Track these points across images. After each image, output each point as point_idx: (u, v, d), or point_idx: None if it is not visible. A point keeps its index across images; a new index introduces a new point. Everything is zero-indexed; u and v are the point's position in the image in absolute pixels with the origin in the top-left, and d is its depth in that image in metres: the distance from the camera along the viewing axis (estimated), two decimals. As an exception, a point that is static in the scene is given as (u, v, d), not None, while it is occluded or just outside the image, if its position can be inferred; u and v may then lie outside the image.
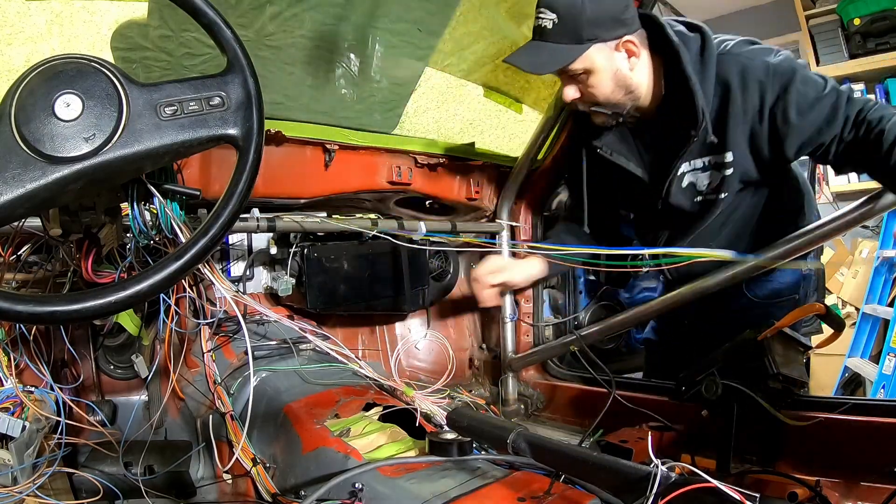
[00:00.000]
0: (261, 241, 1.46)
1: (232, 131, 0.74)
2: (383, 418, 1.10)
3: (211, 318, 1.25)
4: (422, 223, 1.62)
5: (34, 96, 0.65)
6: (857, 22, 3.59)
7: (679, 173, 1.25)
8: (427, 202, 1.78)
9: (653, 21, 1.19)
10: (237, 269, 1.45)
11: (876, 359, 2.87)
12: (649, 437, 0.99)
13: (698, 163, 1.24)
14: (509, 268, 1.32)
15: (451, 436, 0.94)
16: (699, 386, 1.20)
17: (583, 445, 1.30)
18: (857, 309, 3.20)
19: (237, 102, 0.75)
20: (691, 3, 4.29)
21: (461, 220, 1.77)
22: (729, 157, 1.20)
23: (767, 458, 1.15)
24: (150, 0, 1.34)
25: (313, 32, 1.58)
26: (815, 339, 1.47)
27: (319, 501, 0.77)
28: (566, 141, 1.59)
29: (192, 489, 1.18)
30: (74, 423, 1.12)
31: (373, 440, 1.01)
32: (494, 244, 1.70)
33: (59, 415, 1.03)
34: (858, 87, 3.76)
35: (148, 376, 1.33)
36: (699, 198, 1.28)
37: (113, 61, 0.71)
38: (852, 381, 3.03)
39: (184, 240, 0.89)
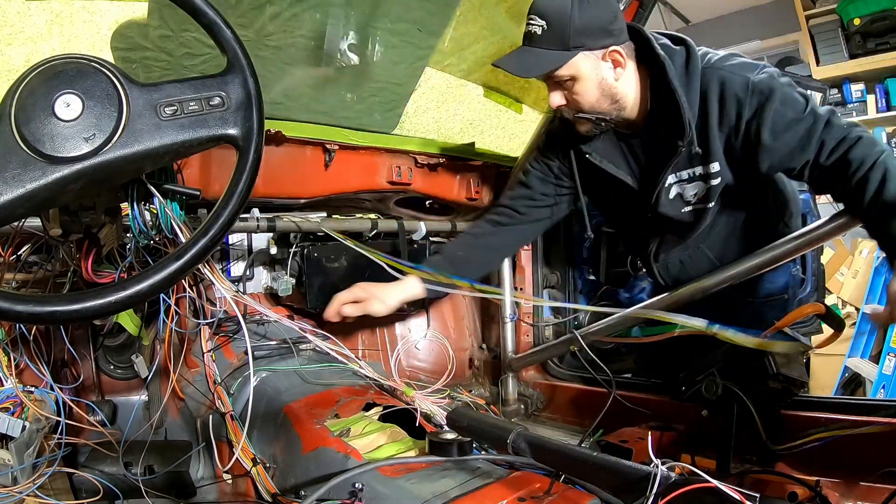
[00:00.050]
0: (261, 241, 1.46)
1: (232, 131, 0.74)
2: (383, 418, 1.10)
3: (211, 318, 1.25)
4: (422, 223, 1.62)
5: (34, 96, 0.65)
6: (857, 22, 3.59)
7: (666, 184, 1.26)
8: (427, 202, 1.78)
9: (639, 34, 1.21)
10: (237, 269, 1.45)
11: (876, 359, 2.87)
12: (649, 437, 0.99)
13: (684, 174, 1.25)
14: (371, 299, 1.30)
15: (451, 436, 0.94)
16: (699, 386, 1.20)
17: (583, 445, 1.30)
18: (857, 309, 3.20)
19: (237, 102, 0.75)
20: (691, 3, 4.29)
21: (461, 220, 1.78)
22: (715, 167, 1.21)
23: (767, 458, 1.15)
24: (150, 0, 1.34)
25: (313, 32, 1.58)
26: (815, 340, 1.47)
27: (319, 501, 0.77)
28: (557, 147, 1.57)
29: (192, 489, 1.18)
30: (74, 423, 1.12)
31: (373, 440, 1.01)
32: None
33: (59, 415, 1.03)
34: (858, 87, 3.76)
35: (148, 376, 1.33)
36: (687, 208, 1.29)
37: (113, 61, 0.71)
38: (852, 381, 3.03)
39: (184, 240, 0.89)
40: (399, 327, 1.81)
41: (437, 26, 1.75)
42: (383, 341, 1.79)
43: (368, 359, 1.64)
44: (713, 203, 1.27)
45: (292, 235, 1.44)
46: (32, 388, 1.04)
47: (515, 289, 1.84)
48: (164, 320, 1.13)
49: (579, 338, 1.53)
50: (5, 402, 0.97)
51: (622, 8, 1.60)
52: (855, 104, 3.79)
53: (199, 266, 1.00)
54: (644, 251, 1.44)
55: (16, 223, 0.88)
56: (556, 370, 1.74)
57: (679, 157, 1.21)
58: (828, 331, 1.13)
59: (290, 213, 1.42)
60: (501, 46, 1.84)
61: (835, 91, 3.78)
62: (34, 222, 0.96)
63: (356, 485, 0.80)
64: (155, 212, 0.90)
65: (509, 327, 1.80)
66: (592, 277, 1.88)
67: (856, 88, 3.77)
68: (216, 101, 0.74)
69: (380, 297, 1.29)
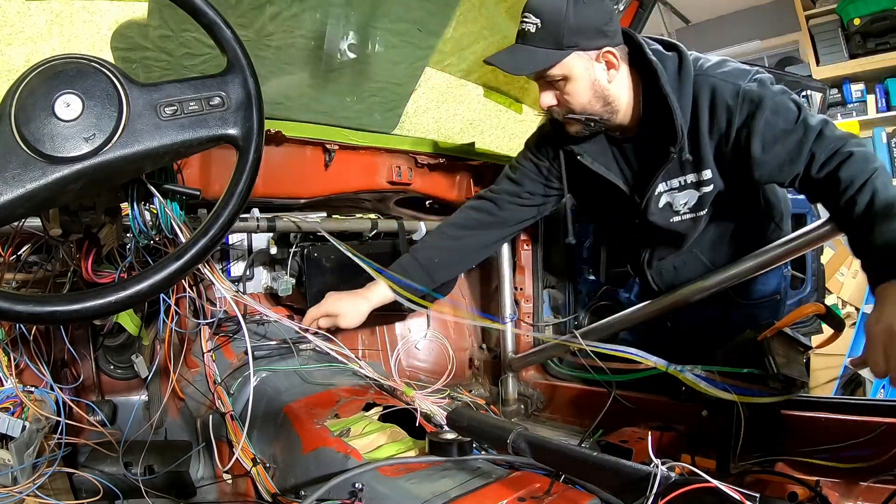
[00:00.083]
0: (261, 241, 1.46)
1: (232, 131, 0.74)
2: (383, 418, 1.10)
3: (211, 318, 1.25)
4: (422, 223, 1.62)
5: (34, 96, 0.65)
6: (857, 22, 3.59)
7: (656, 193, 1.25)
8: (427, 202, 1.78)
9: (631, 39, 1.20)
10: (237, 269, 1.45)
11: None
12: (649, 437, 0.99)
13: (675, 182, 1.24)
14: (340, 316, 1.27)
15: (451, 436, 0.93)
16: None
17: (583, 445, 1.30)
18: (857, 309, 3.20)
19: (237, 102, 0.75)
20: (691, 3, 4.29)
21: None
22: (707, 174, 1.20)
23: (767, 458, 1.15)
24: (150, 0, 1.34)
25: (313, 32, 1.58)
26: (815, 340, 1.47)
27: (319, 501, 0.77)
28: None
29: (192, 489, 1.18)
30: (74, 423, 1.12)
31: (373, 440, 1.01)
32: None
33: (59, 415, 1.03)
34: (858, 87, 3.76)
35: (148, 376, 1.33)
36: (676, 218, 1.28)
37: (113, 61, 0.71)
38: (852, 381, 3.03)
39: (184, 240, 0.89)
40: (399, 327, 1.82)
41: (437, 26, 1.75)
42: (383, 341, 1.79)
43: (368, 359, 1.64)
44: (704, 212, 1.26)
45: (292, 235, 1.44)
46: (32, 388, 1.04)
47: (515, 289, 1.84)
48: (164, 320, 1.13)
49: (579, 338, 1.53)
50: (5, 402, 0.97)
51: (622, 8, 1.61)
52: (855, 104, 3.79)
53: (199, 266, 1.00)
54: (636, 257, 1.43)
55: (16, 223, 0.88)
56: (556, 370, 1.75)
57: (670, 164, 1.20)
58: (828, 331, 1.13)
59: (290, 213, 1.42)
60: (501, 46, 1.84)
61: (835, 91, 3.78)
62: (34, 222, 0.96)
63: (356, 485, 0.80)
64: (155, 212, 0.90)
65: (509, 327, 1.80)
66: (592, 277, 1.88)
67: (856, 88, 3.77)
68: (216, 101, 0.74)
69: (347, 313, 1.27)
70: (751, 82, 1.13)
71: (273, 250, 1.44)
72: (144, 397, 1.39)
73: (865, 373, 1.00)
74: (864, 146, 1.08)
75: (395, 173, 1.56)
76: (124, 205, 0.90)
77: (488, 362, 1.89)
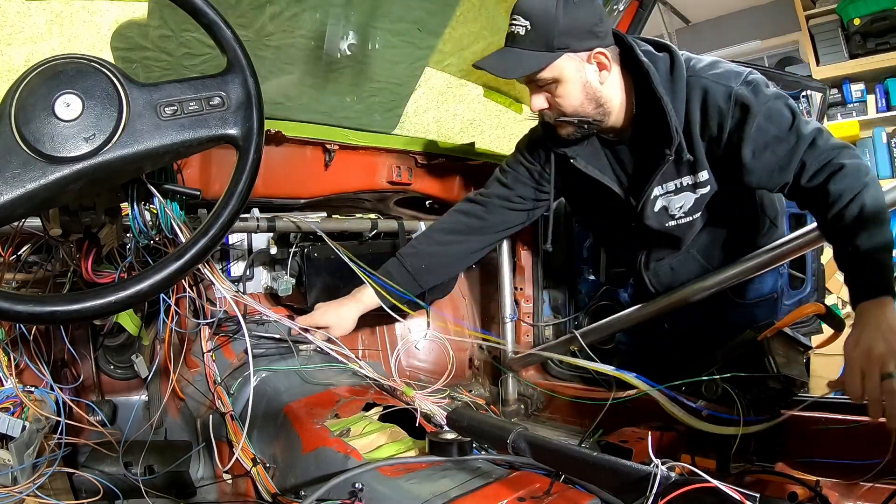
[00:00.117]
0: (261, 241, 1.46)
1: (232, 131, 0.74)
2: (383, 418, 1.10)
3: (211, 318, 1.25)
4: (422, 223, 1.62)
5: (34, 96, 0.65)
6: (857, 22, 3.59)
7: (652, 196, 1.24)
8: (427, 202, 1.78)
9: (622, 40, 1.18)
10: (237, 269, 1.45)
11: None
12: (649, 437, 0.99)
13: (671, 185, 1.22)
14: (332, 326, 1.27)
15: (451, 436, 0.93)
16: (699, 386, 1.20)
17: (583, 445, 1.30)
18: (857, 309, 3.19)
19: (237, 102, 0.75)
20: (691, 3, 4.29)
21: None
22: (703, 175, 1.19)
23: (767, 458, 1.15)
24: (150, 0, 1.34)
25: (313, 32, 1.58)
26: (816, 340, 1.47)
27: (319, 501, 0.77)
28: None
29: (192, 489, 1.18)
30: (74, 423, 1.12)
31: (373, 440, 1.01)
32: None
33: (59, 415, 1.03)
34: (858, 87, 3.76)
35: (148, 376, 1.33)
36: (671, 222, 1.26)
37: (113, 61, 0.71)
38: (852, 382, 3.02)
39: (184, 240, 0.89)
40: (399, 327, 1.81)
41: (437, 26, 1.75)
42: (383, 341, 1.79)
43: (368, 359, 1.64)
44: (699, 214, 1.25)
45: (292, 235, 1.44)
46: (32, 388, 1.04)
47: (516, 289, 1.84)
48: (164, 320, 1.13)
49: (579, 338, 1.53)
50: (5, 402, 0.97)
51: (622, 8, 1.61)
52: (855, 104, 3.79)
53: (199, 266, 1.00)
54: (633, 260, 1.42)
55: (16, 223, 0.88)
56: (557, 370, 1.74)
57: (666, 166, 1.18)
58: (828, 331, 1.13)
59: (290, 213, 1.42)
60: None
61: (835, 91, 3.78)
62: (34, 222, 0.96)
63: (356, 485, 0.80)
64: (155, 212, 0.90)
65: (509, 327, 1.80)
66: (592, 277, 1.87)
67: (856, 88, 3.77)
68: (216, 101, 0.74)
69: (335, 325, 1.27)
70: (743, 85, 1.11)
71: (273, 250, 1.44)
72: (144, 397, 1.39)
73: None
74: (857, 158, 1.07)
75: (395, 173, 1.56)
76: (124, 205, 0.90)
77: (488, 362, 1.89)
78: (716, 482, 0.61)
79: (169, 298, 1.11)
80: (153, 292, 0.70)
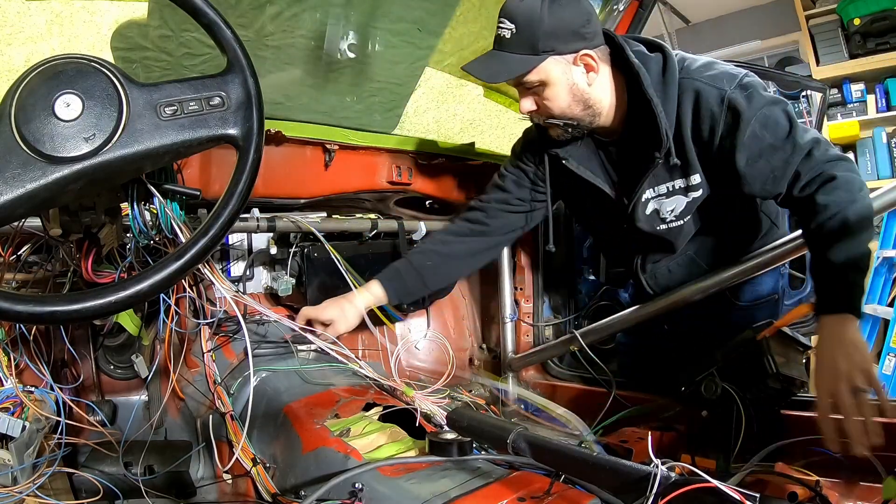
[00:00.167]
0: (261, 241, 1.46)
1: (232, 131, 0.74)
2: (383, 418, 1.10)
3: (211, 318, 1.25)
4: (422, 223, 1.62)
5: (34, 96, 0.65)
6: (857, 22, 3.59)
7: (643, 199, 1.23)
8: (427, 202, 1.78)
9: (612, 40, 1.17)
10: (237, 269, 1.45)
11: (876, 359, 2.86)
12: (649, 437, 0.99)
13: (662, 188, 1.21)
14: (334, 321, 1.25)
15: (451, 436, 0.94)
16: (699, 386, 1.20)
17: (583, 445, 1.30)
18: (857, 309, 3.19)
19: (237, 102, 0.75)
20: (691, 3, 4.30)
21: (461, 220, 1.77)
22: (695, 178, 1.17)
23: (767, 458, 1.15)
24: (150, 0, 1.34)
25: (313, 32, 1.58)
26: (815, 340, 1.47)
27: (319, 501, 0.77)
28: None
29: (192, 489, 1.18)
30: (74, 423, 1.12)
31: (373, 440, 1.01)
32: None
33: (59, 415, 1.03)
34: (858, 87, 3.76)
35: (148, 376, 1.33)
36: (662, 226, 1.25)
37: (113, 61, 0.71)
38: (852, 382, 3.02)
39: (184, 240, 0.89)
40: (399, 327, 1.81)
41: (437, 26, 1.75)
42: (383, 341, 1.79)
43: (368, 359, 1.64)
44: (689, 218, 1.24)
45: (292, 235, 1.44)
46: (32, 388, 1.04)
47: (515, 288, 1.84)
48: (164, 320, 1.13)
49: (579, 338, 1.53)
50: (5, 402, 0.97)
51: (622, 8, 1.60)
52: (855, 104, 3.79)
53: (199, 266, 1.00)
54: (629, 262, 1.41)
55: (16, 223, 0.88)
56: (557, 370, 1.74)
57: (656, 169, 1.17)
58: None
59: (290, 213, 1.42)
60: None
61: (835, 91, 3.79)
62: (34, 222, 0.96)
63: (356, 485, 0.80)
64: (155, 212, 0.90)
65: (509, 327, 1.80)
66: (592, 277, 1.88)
67: (856, 88, 3.77)
68: (216, 101, 0.74)
69: (337, 320, 1.25)
70: (737, 88, 1.09)
71: (273, 250, 1.44)
72: (144, 397, 1.39)
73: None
74: (852, 171, 1.05)
75: (395, 173, 1.56)
76: (124, 205, 0.90)
77: (488, 362, 1.89)
78: (716, 482, 0.61)
79: (169, 298, 1.11)
80: (153, 292, 0.70)
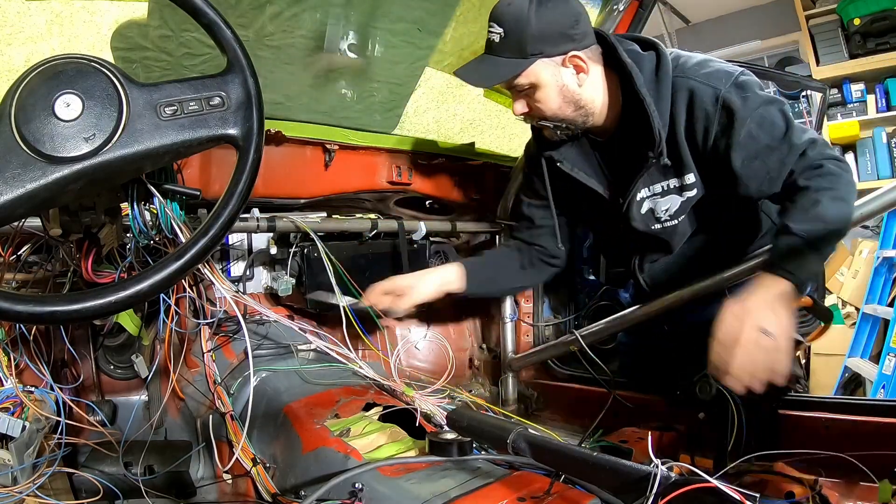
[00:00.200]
0: (261, 241, 1.46)
1: (232, 131, 0.74)
2: (383, 418, 1.10)
3: (211, 318, 1.25)
4: (422, 223, 1.62)
5: (34, 96, 0.65)
6: (857, 22, 3.59)
7: (638, 198, 1.22)
8: (427, 202, 1.78)
9: (605, 39, 1.16)
10: (237, 269, 1.45)
11: (876, 359, 2.87)
12: (649, 437, 0.99)
13: (657, 187, 1.21)
14: (411, 286, 1.27)
15: (451, 436, 0.93)
16: (693, 388, 1.20)
17: (583, 445, 1.30)
18: (857, 309, 3.20)
19: (237, 102, 0.75)
20: (691, 3, 4.30)
21: (461, 220, 1.78)
22: (690, 178, 1.17)
23: (767, 458, 1.15)
24: (150, 0, 1.34)
25: (313, 32, 1.58)
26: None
27: (319, 501, 0.77)
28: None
29: (192, 489, 1.18)
30: (74, 423, 1.12)
31: (373, 440, 1.01)
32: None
33: (59, 415, 1.03)
34: (858, 87, 3.77)
35: (148, 376, 1.33)
36: (657, 225, 1.25)
37: (113, 61, 0.71)
38: (852, 381, 3.03)
39: (184, 240, 0.89)
40: (399, 327, 1.81)
41: (437, 26, 1.75)
42: (383, 341, 1.79)
43: (368, 359, 1.64)
44: (684, 217, 1.23)
45: (292, 235, 1.44)
46: (32, 388, 1.04)
47: (515, 289, 1.83)
48: (164, 320, 1.13)
49: (579, 338, 1.53)
50: (5, 402, 0.97)
51: (622, 8, 1.60)
52: (855, 104, 3.79)
53: (199, 266, 1.00)
54: (627, 262, 1.41)
55: (16, 223, 0.88)
56: (557, 370, 1.74)
57: (649, 169, 1.17)
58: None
59: (290, 213, 1.42)
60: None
61: (835, 91, 3.79)
62: (34, 222, 0.96)
63: (356, 485, 0.80)
64: (155, 212, 0.91)
65: (509, 327, 1.80)
66: (592, 277, 1.88)
67: (856, 88, 3.78)
68: (216, 101, 0.74)
69: (415, 284, 1.27)
70: (732, 87, 1.07)
71: (273, 250, 1.44)
72: (144, 397, 1.39)
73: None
74: (843, 169, 1.04)
75: (395, 173, 1.56)
76: (124, 205, 0.90)
77: (488, 362, 1.89)
78: (715, 482, 0.61)
79: (169, 298, 1.11)
80: (153, 292, 0.70)
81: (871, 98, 3.76)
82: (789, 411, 1.20)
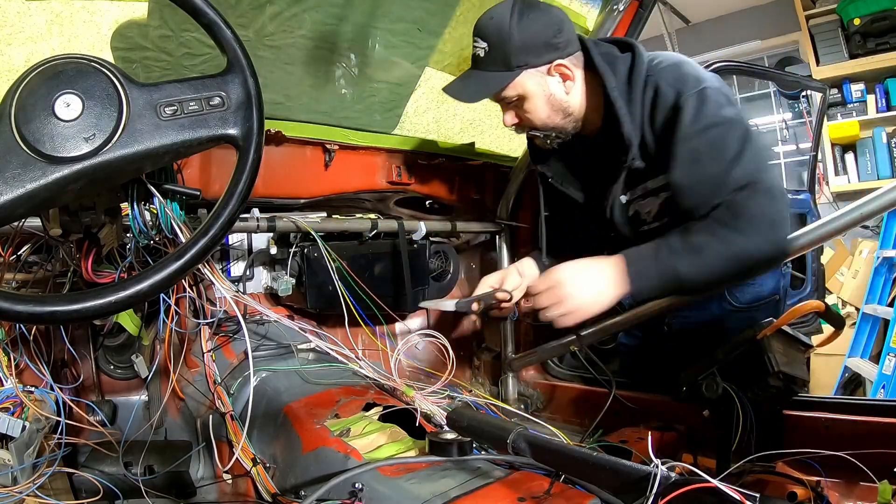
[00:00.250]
0: (261, 241, 1.46)
1: (232, 131, 0.74)
2: (383, 418, 1.10)
3: (211, 318, 1.25)
4: (422, 223, 1.62)
5: (34, 96, 0.65)
6: (857, 22, 3.60)
7: (620, 202, 1.21)
8: (427, 202, 1.78)
9: (582, 43, 1.16)
10: (237, 269, 1.45)
11: (876, 359, 2.87)
12: (649, 437, 0.99)
13: (638, 190, 1.19)
14: (523, 277, 1.29)
15: (451, 436, 0.93)
16: (700, 386, 1.20)
17: (583, 445, 1.30)
18: (857, 309, 3.20)
19: (237, 102, 0.75)
20: (691, 3, 4.30)
21: (461, 220, 1.78)
22: (663, 179, 1.14)
23: (767, 458, 1.15)
24: (150, 0, 1.34)
25: (313, 32, 1.58)
26: (816, 340, 1.47)
27: (319, 501, 0.77)
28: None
29: (192, 489, 1.18)
30: (74, 423, 1.12)
31: (373, 440, 1.01)
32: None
33: (59, 415, 1.03)
34: (858, 87, 3.77)
35: (148, 376, 1.33)
36: (644, 227, 1.23)
37: (113, 61, 0.71)
38: (852, 381, 3.03)
39: (184, 240, 0.89)
40: (399, 327, 1.81)
41: (437, 26, 1.75)
42: (383, 341, 1.79)
43: (368, 359, 1.64)
44: (668, 219, 1.20)
45: (292, 235, 1.44)
46: (32, 388, 1.04)
47: (515, 289, 1.83)
48: (164, 320, 1.13)
49: (579, 338, 1.53)
50: (5, 402, 0.97)
51: (622, 9, 1.60)
52: (855, 104, 3.80)
53: (199, 266, 1.00)
54: None
55: (16, 223, 0.88)
56: (557, 370, 1.74)
57: (626, 171, 1.16)
58: (828, 330, 1.13)
59: (290, 213, 1.42)
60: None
61: (835, 91, 3.79)
62: (34, 222, 0.96)
63: (356, 485, 0.80)
64: (155, 212, 0.91)
65: (509, 327, 1.80)
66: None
67: (856, 88, 3.78)
68: (216, 101, 0.74)
69: (531, 275, 1.30)
70: (695, 94, 1.03)
71: (273, 250, 1.44)
72: (144, 397, 1.39)
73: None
74: (772, 187, 1.01)
75: (395, 173, 1.56)
76: (124, 205, 0.90)
77: (488, 362, 1.89)
78: (716, 482, 0.61)
79: (169, 298, 1.11)
80: (153, 292, 0.70)
81: (871, 98, 3.76)
82: (790, 411, 1.20)
